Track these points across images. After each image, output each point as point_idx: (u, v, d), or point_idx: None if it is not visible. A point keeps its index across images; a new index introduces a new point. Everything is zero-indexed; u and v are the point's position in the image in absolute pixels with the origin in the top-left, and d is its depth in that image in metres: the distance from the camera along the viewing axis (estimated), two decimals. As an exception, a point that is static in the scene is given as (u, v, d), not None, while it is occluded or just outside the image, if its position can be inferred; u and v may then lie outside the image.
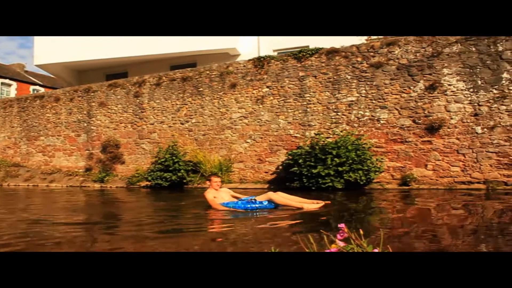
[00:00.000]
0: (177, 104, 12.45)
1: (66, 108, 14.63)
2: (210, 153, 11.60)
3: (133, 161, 13.03)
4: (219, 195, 6.57)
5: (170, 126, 12.51)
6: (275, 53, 13.51)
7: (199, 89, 12.12)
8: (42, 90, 32.02)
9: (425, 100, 9.42)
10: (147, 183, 11.75)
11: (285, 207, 6.12)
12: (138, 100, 13.13)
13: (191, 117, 12.18)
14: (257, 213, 5.97)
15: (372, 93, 9.95)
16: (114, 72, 17.55)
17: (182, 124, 12.32)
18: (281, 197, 6.21)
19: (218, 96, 11.82)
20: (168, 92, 12.62)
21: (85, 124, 14.17)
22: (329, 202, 6.36)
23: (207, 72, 12.10)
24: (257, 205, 6.21)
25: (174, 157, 11.18)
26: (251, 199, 6.35)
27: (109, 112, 13.68)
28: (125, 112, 13.37)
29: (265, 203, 6.21)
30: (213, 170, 11.02)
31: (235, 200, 6.58)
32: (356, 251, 1.81)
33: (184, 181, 11.25)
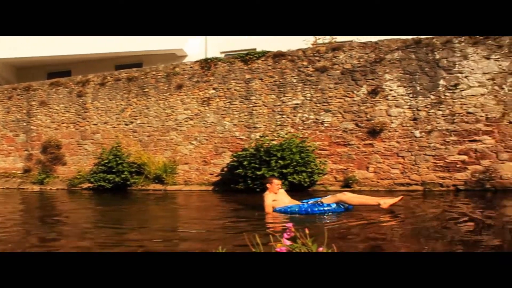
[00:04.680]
0: (121, 104, 12.12)
1: (4, 107, 13.90)
2: (154, 155, 11.36)
3: (75, 162, 12.56)
4: (279, 198, 6.21)
5: (114, 127, 12.16)
6: (222, 55, 13.48)
7: (145, 90, 11.85)
8: (-19, 88, 30.49)
9: (367, 104, 9.65)
10: (89, 185, 11.34)
11: (359, 207, 5.82)
12: (81, 100, 12.68)
13: (136, 118, 11.89)
14: (326, 217, 5.61)
15: (317, 96, 10.09)
16: (57, 71, 16.84)
17: (127, 125, 12.00)
18: (353, 197, 5.89)
19: (163, 97, 11.61)
20: (113, 92, 12.27)
21: (25, 124, 13.52)
22: (403, 197, 6.09)
23: (153, 72, 11.85)
24: (325, 208, 5.85)
25: (117, 159, 10.85)
26: (317, 202, 6.02)
27: (50, 112, 13.13)
28: (67, 112, 12.87)
29: (333, 205, 5.87)
30: (158, 172, 10.82)
31: (296, 202, 6.20)
32: (301, 250, 1.85)
33: (128, 183, 10.92)
